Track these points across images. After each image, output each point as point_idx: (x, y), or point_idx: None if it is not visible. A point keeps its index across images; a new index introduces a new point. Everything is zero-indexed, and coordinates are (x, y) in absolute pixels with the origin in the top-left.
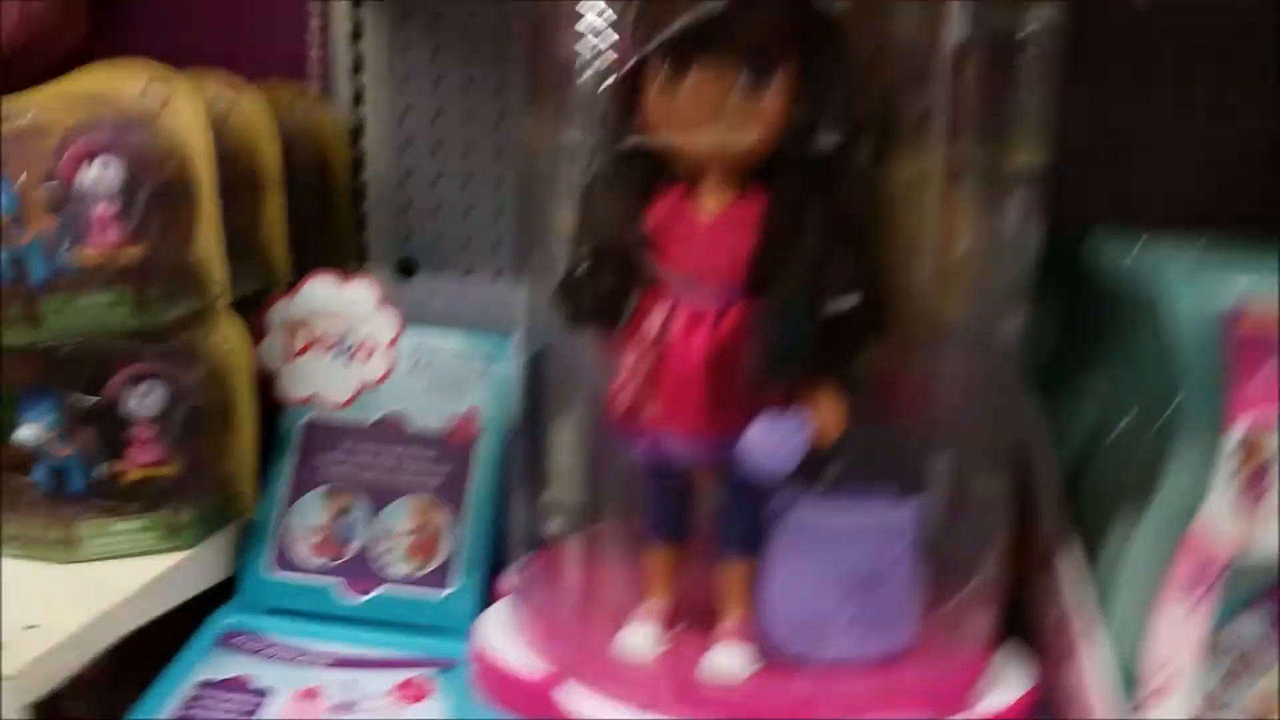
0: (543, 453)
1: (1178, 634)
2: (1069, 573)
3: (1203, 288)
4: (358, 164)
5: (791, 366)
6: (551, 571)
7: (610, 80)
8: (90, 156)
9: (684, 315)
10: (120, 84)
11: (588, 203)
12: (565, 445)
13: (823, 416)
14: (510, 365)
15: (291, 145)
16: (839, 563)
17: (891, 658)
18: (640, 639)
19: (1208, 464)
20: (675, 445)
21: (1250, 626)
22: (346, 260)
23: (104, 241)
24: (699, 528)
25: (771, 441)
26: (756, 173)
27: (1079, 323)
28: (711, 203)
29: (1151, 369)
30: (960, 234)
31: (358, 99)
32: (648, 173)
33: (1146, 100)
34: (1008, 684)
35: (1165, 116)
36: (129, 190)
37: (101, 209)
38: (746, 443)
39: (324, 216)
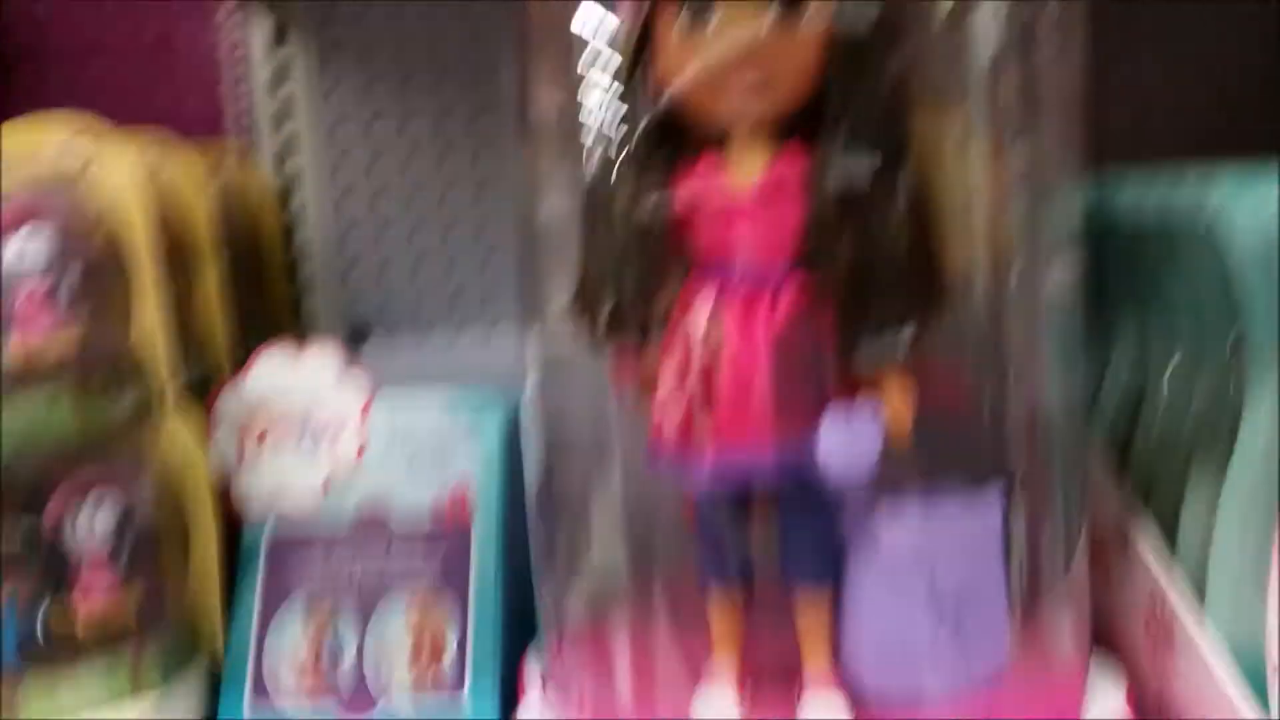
0: (569, 515)
1: None
2: (1149, 550)
3: (1258, 202)
4: (291, 224)
5: (876, 347)
6: (593, 650)
7: (619, 39)
8: (11, 227)
9: (734, 304)
10: (36, 141)
11: (598, 194)
12: (599, 500)
13: (894, 405)
14: (501, 423)
15: (218, 209)
16: (930, 579)
17: (994, 678)
18: (717, 706)
19: None
20: (741, 457)
21: None
22: (287, 334)
23: (34, 328)
24: (761, 566)
25: (849, 438)
26: (789, 126)
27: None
28: (747, 167)
29: (1202, 308)
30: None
31: (285, 152)
32: (665, 144)
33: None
34: (1106, 689)
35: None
36: (58, 264)
37: (28, 288)
38: (823, 443)
39: (259, 287)
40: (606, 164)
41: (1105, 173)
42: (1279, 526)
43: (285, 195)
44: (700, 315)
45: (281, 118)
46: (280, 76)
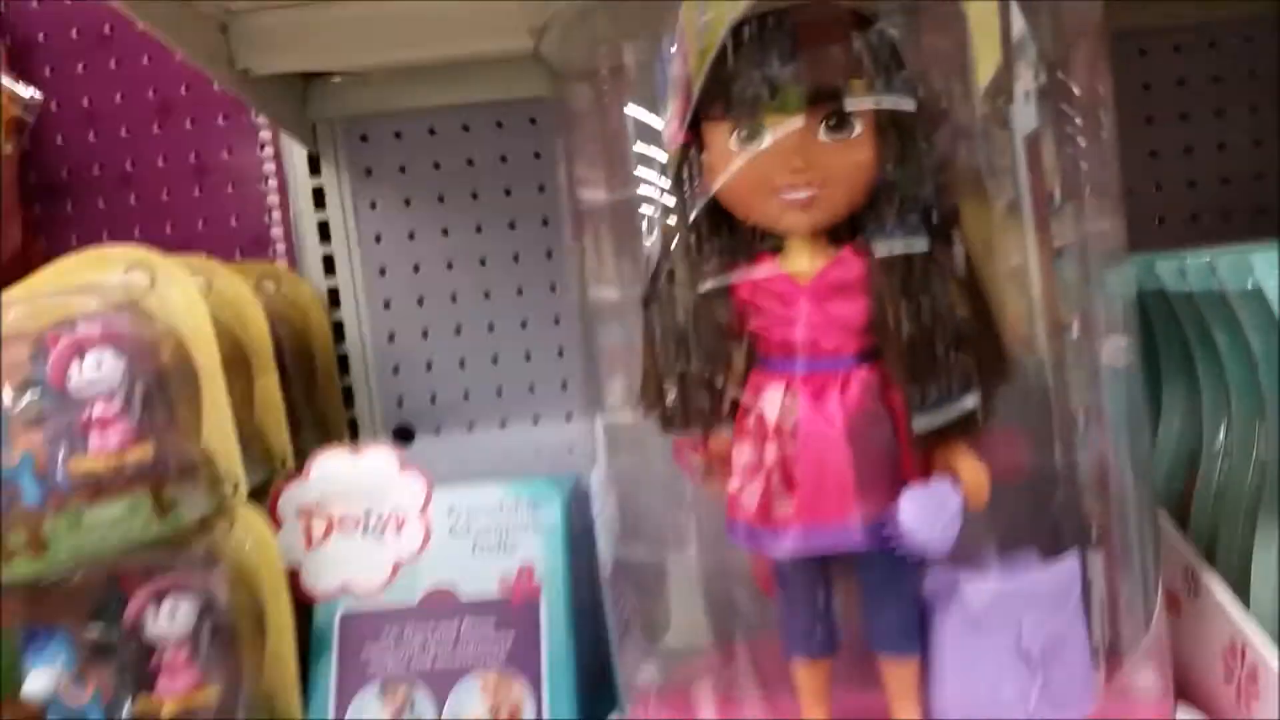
0: (645, 589)
1: None
2: (1225, 601)
3: None
4: (337, 334)
5: (944, 427)
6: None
7: (674, 154)
8: (79, 354)
9: (806, 392)
10: (97, 272)
11: (659, 291)
12: (674, 572)
13: (969, 479)
14: (562, 506)
15: (270, 321)
16: (1016, 636)
17: None
18: None
19: None
20: (823, 535)
21: None
22: (336, 438)
23: (107, 444)
24: (844, 637)
25: (930, 512)
26: (842, 228)
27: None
28: (804, 266)
29: (1254, 367)
30: (1050, 272)
31: (328, 267)
32: (723, 243)
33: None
34: None
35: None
36: (128, 383)
37: (100, 409)
38: (905, 517)
39: (311, 392)
40: (666, 262)
41: (1141, 249)
42: None
43: (331, 306)
44: (773, 402)
45: (323, 237)
46: (319, 199)
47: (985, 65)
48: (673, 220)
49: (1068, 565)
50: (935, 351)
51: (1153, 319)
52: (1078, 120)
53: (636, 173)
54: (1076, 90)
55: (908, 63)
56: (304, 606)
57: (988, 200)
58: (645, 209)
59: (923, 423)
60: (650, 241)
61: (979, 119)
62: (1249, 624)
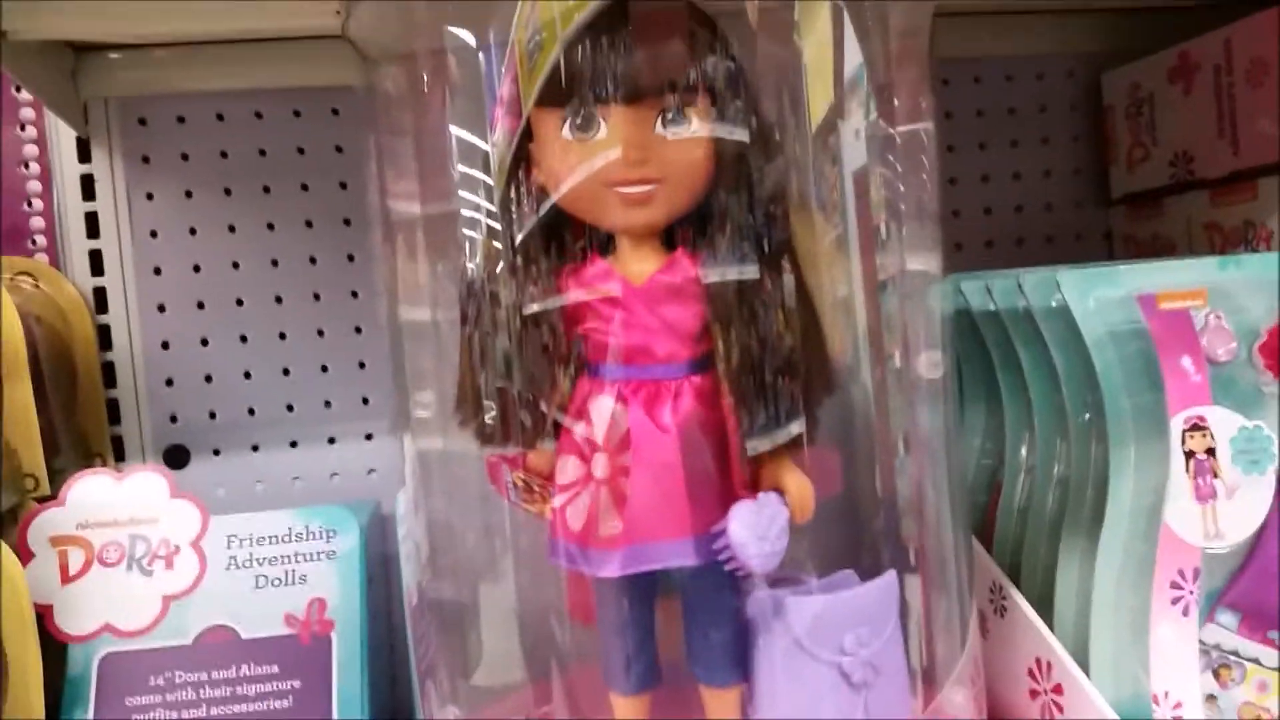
0: (454, 620)
1: (1175, 651)
2: (1028, 618)
3: (1101, 293)
4: (103, 340)
5: (774, 439)
6: None
7: (497, 140)
8: None
9: (637, 401)
10: None
11: (478, 299)
12: (487, 606)
13: (795, 493)
14: (357, 537)
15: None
16: (838, 654)
17: None
18: None
19: (1155, 464)
20: (655, 552)
21: (1226, 619)
22: (99, 459)
23: None
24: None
25: (760, 526)
26: (674, 231)
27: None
28: (635, 271)
29: (1056, 385)
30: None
31: (95, 265)
32: (550, 247)
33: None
34: None
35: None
36: None
37: None
38: (735, 530)
39: (67, 408)
40: (486, 268)
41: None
42: (1154, 585)
43: (97, 309)
44: (602, 411)
45: (91, 232)
46: (87, 190)
47: (818, 102)
48: (496, 218)
49: (886, 582)
50: (763, 363)
51: (956, 339)
52: (902, 154)
53: (457, 171)
54: (903, 123)
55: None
56: (56, 649)
57: (815, 232)
58: (466, 210)
59: (757, 434)
60: (470, 241)
61: (810, 155)
62: (1053, 640)
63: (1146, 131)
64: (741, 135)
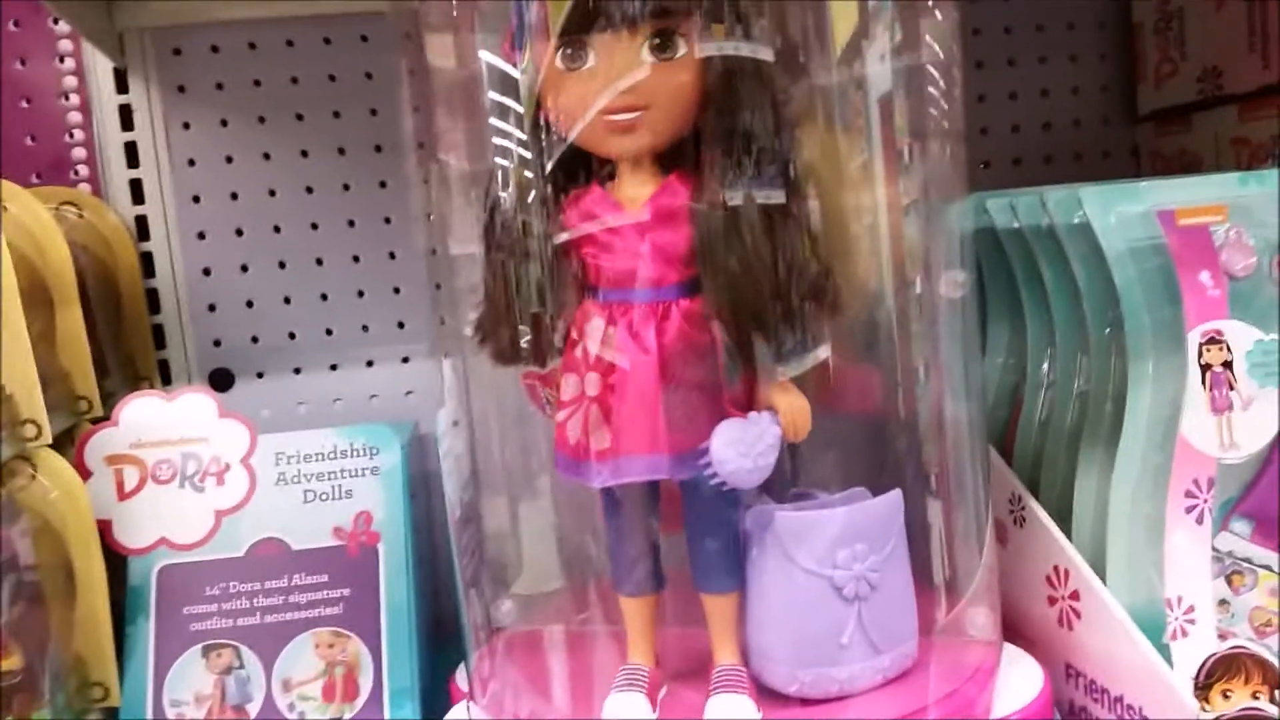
0: (493, 537)
1: (1189, 558)
2: (1048, 530)
3: (1122, 209)
4: (145, 267)
5: (763, 361)
6: (524, 658)
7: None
8: None
9: (625, 323)
10: None
11: (495, 225)
12: (528, 518)
13: (787, 412)
14: (400, 453)
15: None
16: (830, 569)
17: (902, 673)
18: (627, 709)
19: (1172, 376)
20: (634, 465)
21: (1239, 527)
22: (145, 382)
23: None
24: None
25: (743, 443)
26: (672, 156)
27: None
28: (633, 195)
29: (1077, 302)
30: (894, 204)
31: (136, 194)
32: (557, 176)
33: None
34: (1023, 667)
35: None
36: None
37: None
38: (715, 447)
39: (114, 333)
40: (503, 196)
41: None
42: (1169, 495)
43: (139, 237)
44: (595, 333)
45: (130, 161)
46: (126, 120)
47: (843, 27)
48: (507, 147)
49: (888, 501)
50: (755, 286)
51: (980, 257)
52: (934, 75)
53: (486, 98)
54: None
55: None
56: (117, 562)
57: (836, 156)
58: (494, 138)
59: (749, 356)
60: (497, 169)
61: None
62: (1070, 548)
63: (1175, 46)
64: (733, 58)
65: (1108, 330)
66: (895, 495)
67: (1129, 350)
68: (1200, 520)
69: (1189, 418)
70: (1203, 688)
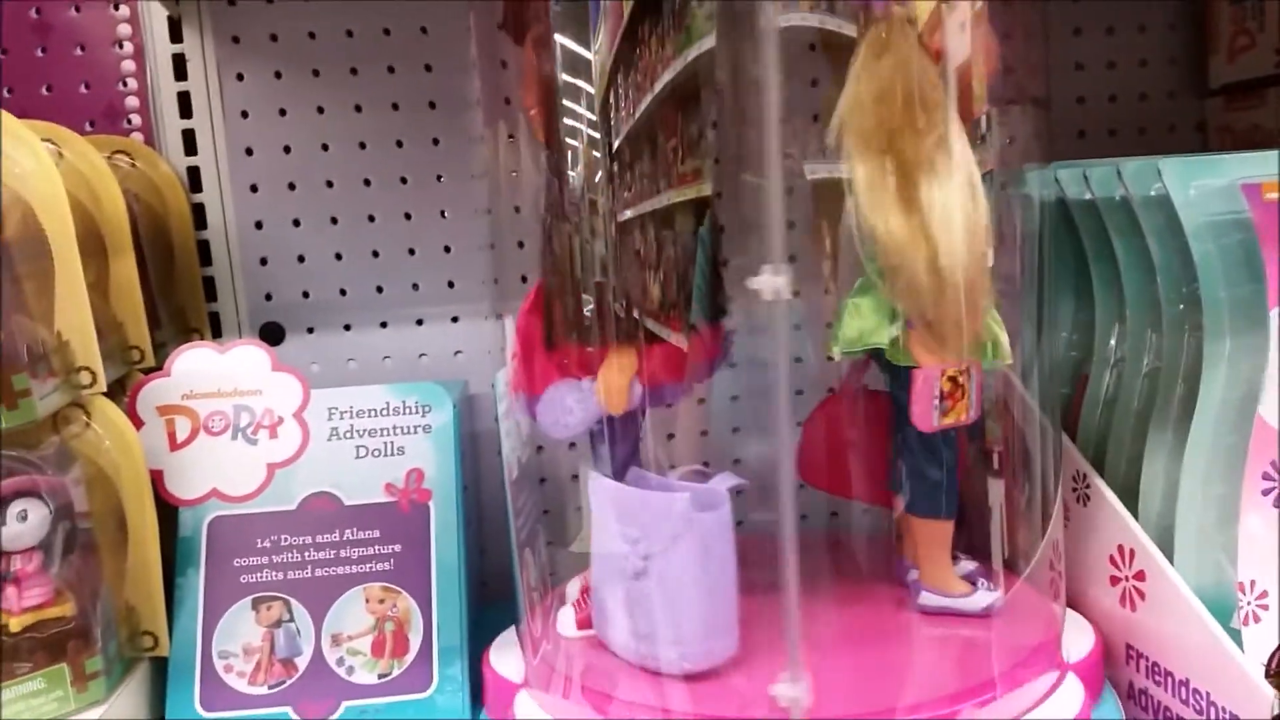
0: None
1: (1264, 542)
2: (1113, 507)
3: (1202, 182)
4: (197, 219)
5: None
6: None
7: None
8: None
9: None
10: None
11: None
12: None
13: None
14: (452, 411)
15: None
16: (623, 545)
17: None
18: None
19: (1250, 355)
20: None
21: None
22: (196, 334)
23: None
24: None
25: (553, 406)
26: None
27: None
28: None
29: (1150, 276)
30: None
31: (189, 145)
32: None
33: None
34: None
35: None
36: None
37: None
38: (540, 405)
39: (165, 284)
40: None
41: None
42: (1245, 477)
43: (191, 189)
44: None
45: (183, 111)
46: (179, 70)
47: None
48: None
49: (668, 500)
50: None
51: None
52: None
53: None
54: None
55: None
56: (168, 512)
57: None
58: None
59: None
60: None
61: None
62: (1137, 527)
63: (1252, 18)
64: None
65: (1181, 307)
66: (676, 500)
67: (1205, 327)
68: (1277, 504)
69: (1268, 398)
70: (1275, 675)
